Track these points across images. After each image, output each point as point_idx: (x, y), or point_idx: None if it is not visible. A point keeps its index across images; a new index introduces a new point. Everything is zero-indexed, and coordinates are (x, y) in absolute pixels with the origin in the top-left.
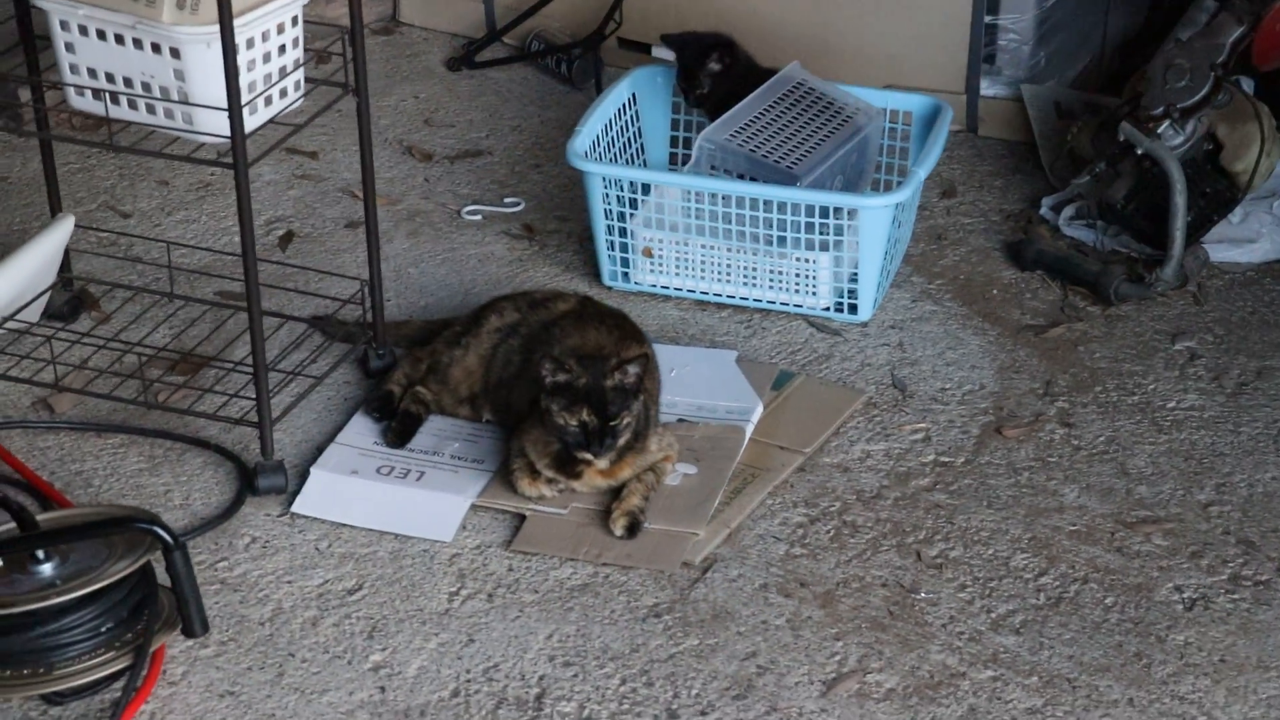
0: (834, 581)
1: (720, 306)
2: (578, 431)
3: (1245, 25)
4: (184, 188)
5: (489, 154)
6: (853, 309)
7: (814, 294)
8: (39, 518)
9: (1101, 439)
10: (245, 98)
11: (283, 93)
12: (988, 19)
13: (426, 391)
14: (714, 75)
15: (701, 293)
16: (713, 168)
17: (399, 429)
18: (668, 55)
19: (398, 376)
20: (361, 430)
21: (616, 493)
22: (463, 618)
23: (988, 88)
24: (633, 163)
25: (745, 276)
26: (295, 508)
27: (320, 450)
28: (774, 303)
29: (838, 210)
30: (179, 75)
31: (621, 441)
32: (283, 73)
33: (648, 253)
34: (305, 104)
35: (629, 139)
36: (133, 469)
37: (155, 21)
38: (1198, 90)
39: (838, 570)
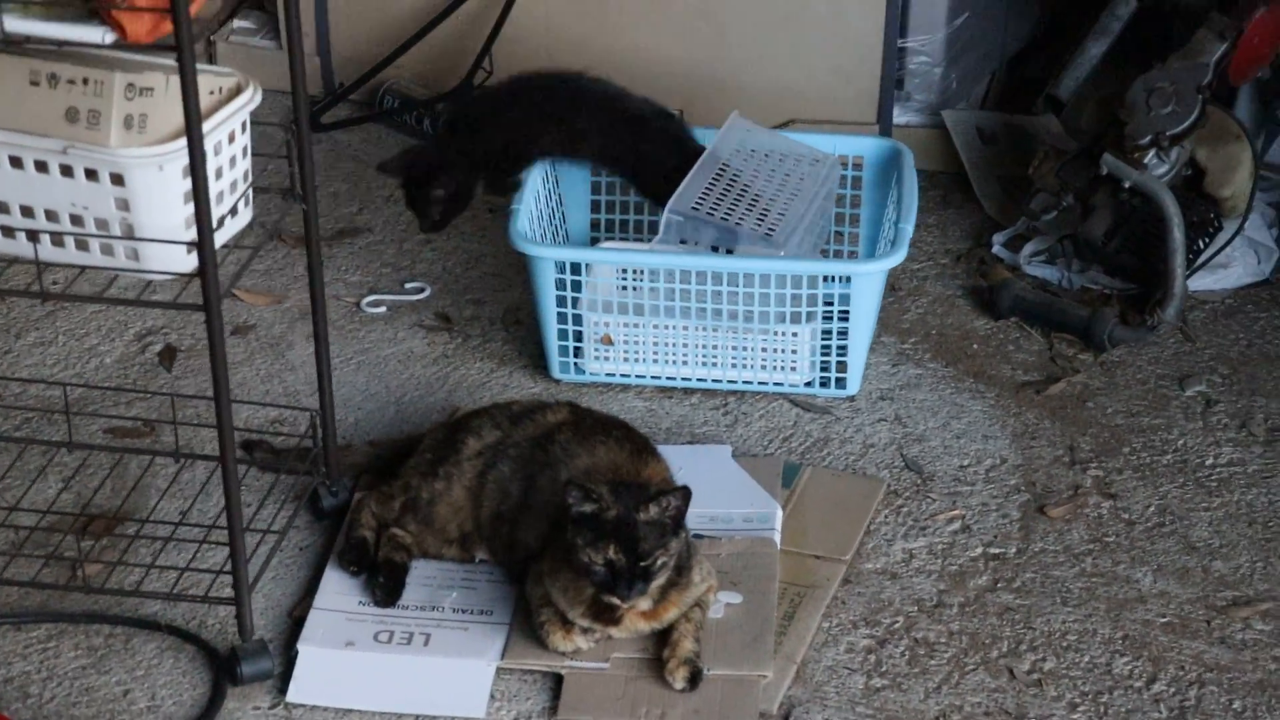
0: (930, 715)
1: (688, 392)
2: (604, 572)
3: (1227, 42)
4: (25, 304)
5: (368, 231)
6: (839, 383)
7: (793, 369)
8: None
9: (1152, 509)
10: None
11: (233, 213)
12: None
13: (405, 534)
14: (443, 201)
15: (667, 378)
16: (682, 241)
17: (387, 584)
18: None
19: (365, 519)
20: (340, 589)
21: (661, 636)
22: None
23: (899, 116)
24: (558, 236)
25: (717, 356)
26: (291, 696)
27: (294, 619)
28: (750, 382)
29: (827, 279)
30: (122, 205)
31: (657, 584)
32: (234, 188)
33: (607, 340)
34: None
35: (553, 209)
36: (73, 667)
37: (98, 146)
38: (1186, 115)
39: (930, 702)
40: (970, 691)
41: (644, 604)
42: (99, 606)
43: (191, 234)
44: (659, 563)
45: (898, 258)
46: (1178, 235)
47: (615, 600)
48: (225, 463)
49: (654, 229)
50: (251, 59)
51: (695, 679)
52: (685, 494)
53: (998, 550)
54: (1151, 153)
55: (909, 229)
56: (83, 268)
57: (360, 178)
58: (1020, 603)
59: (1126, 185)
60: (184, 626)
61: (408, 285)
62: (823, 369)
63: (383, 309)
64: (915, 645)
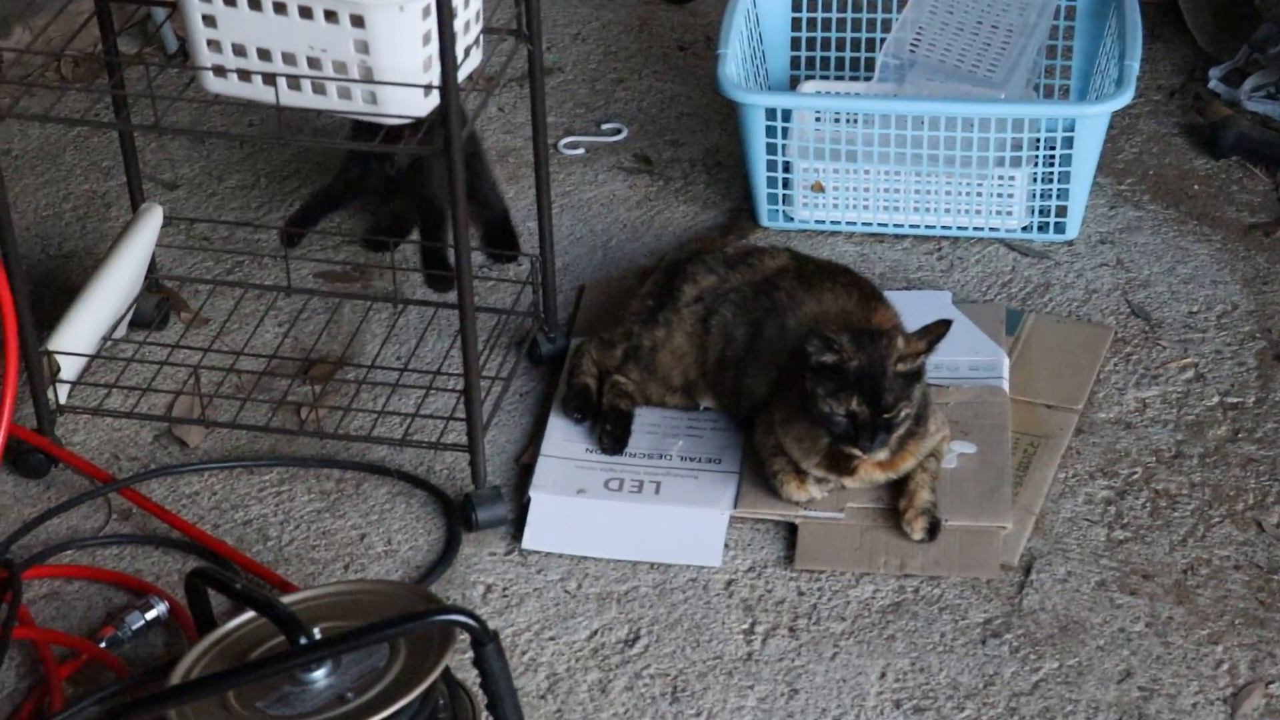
0: (1178, 569)
1: (899, 238)
2: (845, 423)
3: None
4: (224, 146)
5: (559, 70)
6: (1058, 227)
7: (1010, 214)
8: (286, 600)
9: None
10: (436, 65)
11: (467, 53)
12: None
13: (628, 381)
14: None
15: (879, 224)
16: (899, 82)
17: (614, 431)
18: None
19: (586, 366)
20: (566, 435)
21: (896, 485)
22: (771, 662)
23: None
24: (758, 79)
25: (930, 201)
26: (526, 543)
27: (521, 465)
28: (965, 228)
29: (1049, 121)
30: (361, 47)
31: (897, 434)
32: (467, 29)
33: (818, 187)
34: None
35: (753, 51)
36: (307, 511)
37: None
38: None
39: (1176, 555)
40: (1218, 544)
41: (881, 454)
42: (329, 451)
43: (429, 76)
44: (903, 414)
45: (1124, 98)
46: None
47: (856, 452)
48: (464, 307)
49: (856, 66)
50: None
51: (934, 529)
52: (939, 331)
53: (1236, 399)
54: None
55: (1135, 65)
56: (319, 111)
57: (545, 15)
58: (1264, 454)
59: None
60: (414, 473)
61: (604, 126)
62: (1040, 213)
63: (580, 150)
64: (1156, 497)
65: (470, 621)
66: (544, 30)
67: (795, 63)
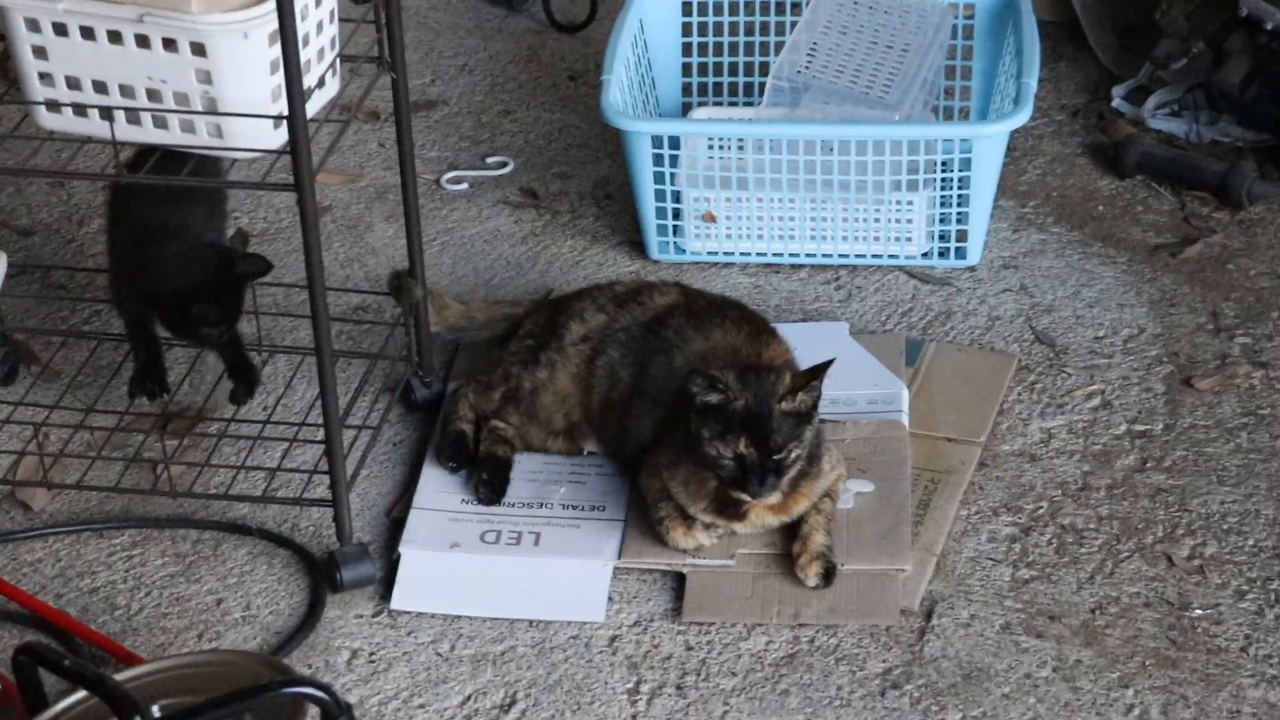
0: (1086, 609)
1: (795, 268)
2: (732, 466)
3: None
4: (86, 188)
5: (444, 104)
6: (959, 253)
7: (909, 240)
8: (120, 678)
9: None
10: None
11: (321, 82)
12: None
13: (506, 426)
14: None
15: (774, 254)
16: (791, 106)
17: (491, 480)
18: None
19: (462, 411)
20: (440, 486)
21: (788, 530)
22: None
23: None
24: (648, 106)
25: (827, 229)
26: (395, 603)
27: (392, 520)
28: (863, 255)
29: (946, 143)
30: (203, 77)
31: (788, 477)
32: (321, 56)
33: (710, 217)
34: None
35: (642, 78)
36: (160, 576)
37: (177, 11)
38: None
39: (1083, 593)
40: (1127, 581)
41: (772, 498)
42: (185, 510)
43: (279, 107)
44: (793, 455)
45: (1022, 117)
46: None
47: (745, 497)
48: (321, 353)
49: (750, 91)
50: None
51: (829, 574)
52: (823, 372)
53: (1143, 427)
54: None
55: (1033, 83)
56: (161, 147)
57: (431, 46)
58: (1173, 483)
59: (1268, 26)
60: (276, 531)
61: (489, 160)
62: (940, 238)
63: (464, 185)
64: (1063, 532)
65: (321, 694)
66: (430, 62)
67: (687, 89)
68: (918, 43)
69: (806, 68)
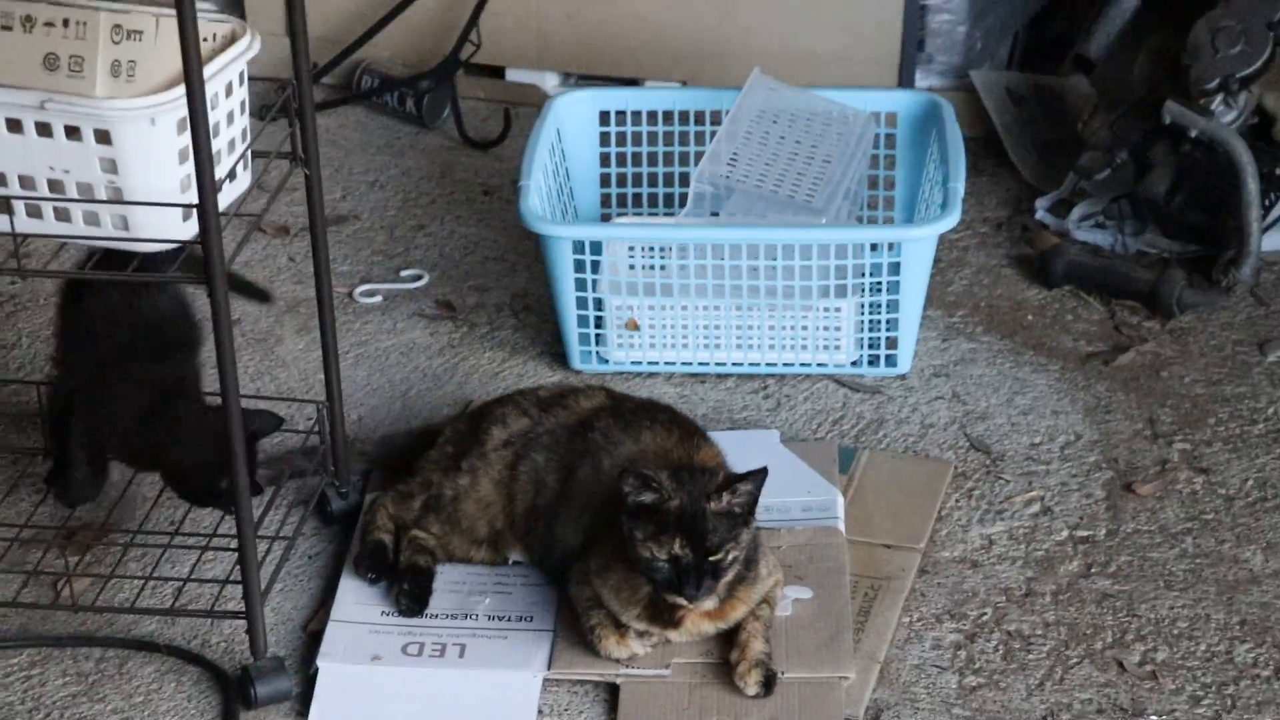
0: (1037, 716)
1: (721, 377)
2: (667, 569)
3: None
4: None
5: (355, 219)
6: (889, 360)
7: (838, 348)
8: None
9: (1250, 483)
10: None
11: (231, 177)
12: None
13: (427, 536)
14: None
15: (700, 363)
16: (714, 213)
17: (413, 590)
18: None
19: (381, 521)
20: (359, 598)
21: (725, 638)
22: None
23: (921, 79)
24: (566, 215)
25: (753, 337)
26: (313, 718)
27: (309, 634)
28: (791, 364)
29: (872, 247)
30: (109, 166)
31: (725, 581)
32: (232, 148)
33: (633, 325)
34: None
35: (560, 187)
36: (61, 697)
37: (81, 97)
38: (1257, 55)
39: (1034, 700)
40: (1078, 687)
41: (709, 603)
42: (88, 628)
43: (188, 197)
44: (730, 557)
45: (951, 220)
46: (1252, 186)
47: (680, 601)
48: (233, 459)
49: (670, 201)
50: None
51: (770, 683)
52: (760, 477)
53: (1086, 532)
54: (1219, 98)
55: (960, 188)
56: (64, 241)
57: (341, 163)
58: (1119, 588)
59: (1192, 135)
60: (186, 646)
61: (403, 273)
62: (870, 346)
63: (378, 299)
64: (1009, 639)
65: None
66: (340, 178)
67: (606, 200)
68: (840, 152)
69: (729, 174)
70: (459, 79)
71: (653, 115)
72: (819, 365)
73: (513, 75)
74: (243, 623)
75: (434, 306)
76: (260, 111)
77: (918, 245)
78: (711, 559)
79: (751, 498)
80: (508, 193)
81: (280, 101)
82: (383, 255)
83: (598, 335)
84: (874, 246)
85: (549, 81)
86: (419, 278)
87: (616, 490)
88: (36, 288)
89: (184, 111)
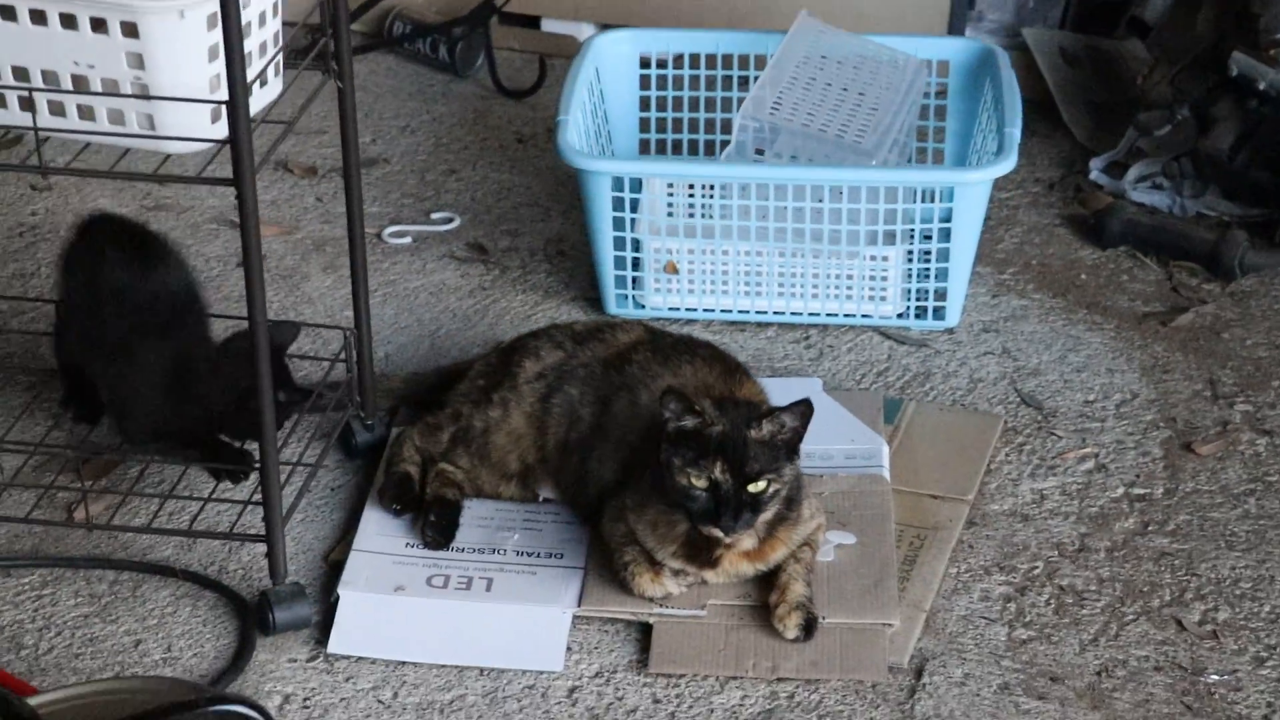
0: (1091, 671)
1: (762, 326)
2: (705, 497)
3: None
4: (2, 231)
5: (385, 162)
6: (937, 313)
7: (884, 299)
8: (40, 701)
9: None
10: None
11: (262, 81)
12: None
13: (455, 470)
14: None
15: (740, 311)
16: (758, 151)
17: (439, 522)
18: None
19: (407, 453)
20: (382, 529)
21: (764, 581)
22: None
23: (970, 36)
24: (604, 156)
25: (796, 285)
26: (332, 646)
27: (330, 564)
28: (834, 315)
29: (925, 193)
30: (135, 61)
31: (764, 517)
32: (263, 50)
33: (671, 268)
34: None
35: (598, 129)
36: (73, 616)
37: None
38: None
39: (1087, 655)
40: (1134, 644)
41: (747, 542)
42: (102, 550)
43: (218, 96)
44: (770, 490)
45: (1007, 165)
46: None
47: (716, 533)
48: (259, 366)
49: (711, 150)
50: None
51: (810, 627)
52: (803, 408)
53: (1142, 490)
54: None
55: (1016, 133)
56: (87, 141)
57: (371, 108)
58: (1178, 547)
59: (1259, 88)
60: (203, 571)
61: (434, 216)
62: (918, 298)
63: (407, 239)
64: (1061, 593)
65: (251, 713)
66: (369, 123)
67: (644, 146)
68: (890, 97)
69: (775, 110)
70: (493, 27)
71: (695, 59)
72: (863, 316)
73: (548, 25)
74: (262, 549)
75: (465, 249)
76: (290, 59)
77: (971, 191)
78: (750, 489)
79: (795, 432)
80: (543, 140)
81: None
82: (413, 198)
83: (635, 279)
84: (924, 196)
85: (585, 32)
86: (450, 220)
87: (654, 424)
88: (57, 219)
89: (214, 6)
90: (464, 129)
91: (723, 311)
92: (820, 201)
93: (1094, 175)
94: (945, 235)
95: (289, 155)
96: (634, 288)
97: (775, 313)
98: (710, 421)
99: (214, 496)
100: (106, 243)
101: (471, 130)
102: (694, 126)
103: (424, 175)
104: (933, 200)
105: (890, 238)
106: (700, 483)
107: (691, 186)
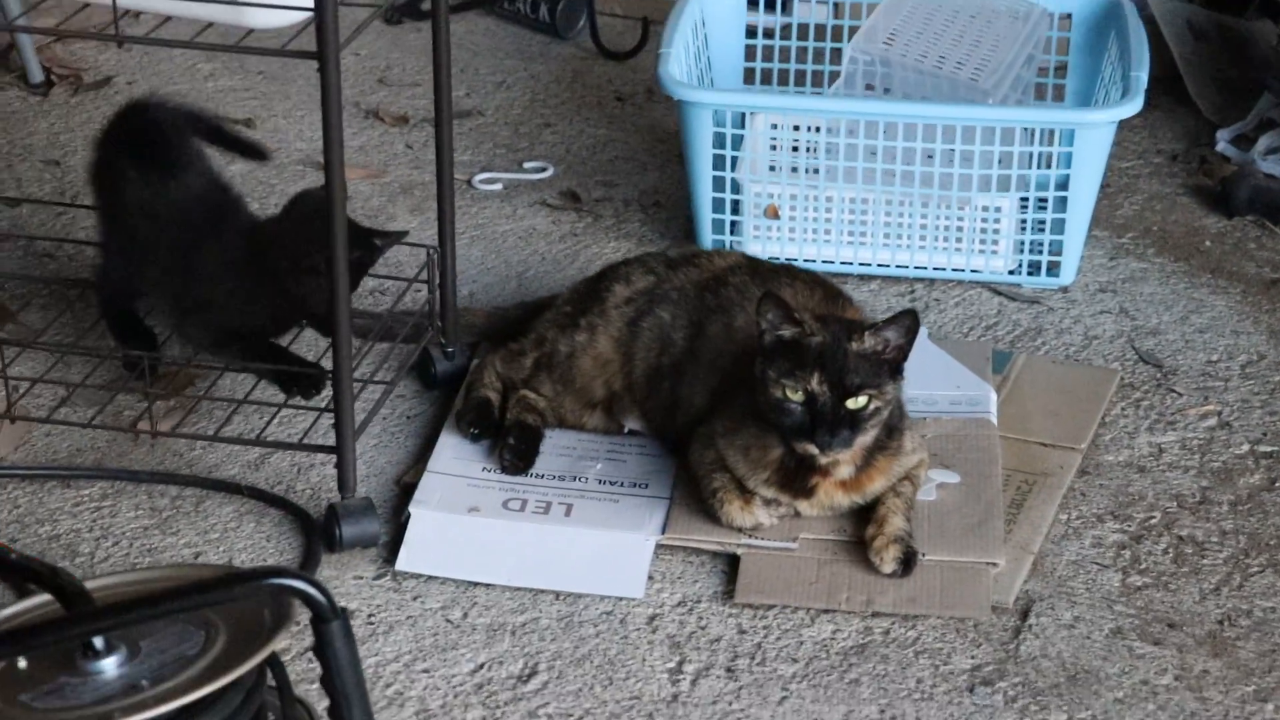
0: (1212, 619)
1: (865, 278)
2: (800, 411)
3: None
4: (80, 167)
5: (479, 114)
6: (1051, 270)
7: (995, 253)
8: (90, 585)
9: None
10: None
11: None
12: None
13: (538, 397)
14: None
15: (842, 262)
16: (868, 87)
17: (518, 446)
18: None
19: (488, 379)
20: (459, 453)
21: (860, 515)
22: (704, 705)
23: None
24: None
25: (903, 235)
26: (401, 564)
27: (402, 486)
28: (943, 269)
29: (1044, 135)
30: None
31: (863, 440)
32: None
33: (772, 213)
34: None
35: (701, 75)
36: (133, 528)
37: None
38: None
39: (1208, 604)
40: (1259, 595)
41: (844, 470)
42: (167, 466)
43: None
44: (870, 407)
45: (1132, 107)
46: None
47: (811, 449)
48: (334, 267)
49: (820, 83)
50: None
51: (909, 562)
52: (911, 323)
53: (1269, 448)
54: None
55: (1143, 76)
56: (167, 16)
57: (467, 64)
58: None
59: None
60: (269, 489)
61: (527, 165)
62: (1032, 252)
63: (498, 186)
64: (1180, 543)
65: (309, 589)
66: (464, 78)
67: (749, 77)
68: (1010, 39)
69: (888, 44)
70: None
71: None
72: (973, 271)
73: None
74: (332, 471)
75: (558, 197)
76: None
77: (1094, 134)
78: (849, 404)
79: (899, 350)
80: (643, 100)
81: None
82: (505, 149)
83: (733, 224)
84: (1043, 138)
85: None
86: (543, 170)
87: (749, 348)
88: None
89: None
90: (561, 86)
91: (824, 262)
92: (932, 140)
93: (1221, 146)
94: (1062, 185)
95: (380, 104)
96: (732, 233)
97: (880, 264)
98: (809, 332)
99: (286, 404)
100: (129, 154)
101: (569, 88)
102: (800, 79)
103: (518, 128)
104: (1051, 142)
105: (1005, 183)
106: (796, 395)
107: (797, 127)
